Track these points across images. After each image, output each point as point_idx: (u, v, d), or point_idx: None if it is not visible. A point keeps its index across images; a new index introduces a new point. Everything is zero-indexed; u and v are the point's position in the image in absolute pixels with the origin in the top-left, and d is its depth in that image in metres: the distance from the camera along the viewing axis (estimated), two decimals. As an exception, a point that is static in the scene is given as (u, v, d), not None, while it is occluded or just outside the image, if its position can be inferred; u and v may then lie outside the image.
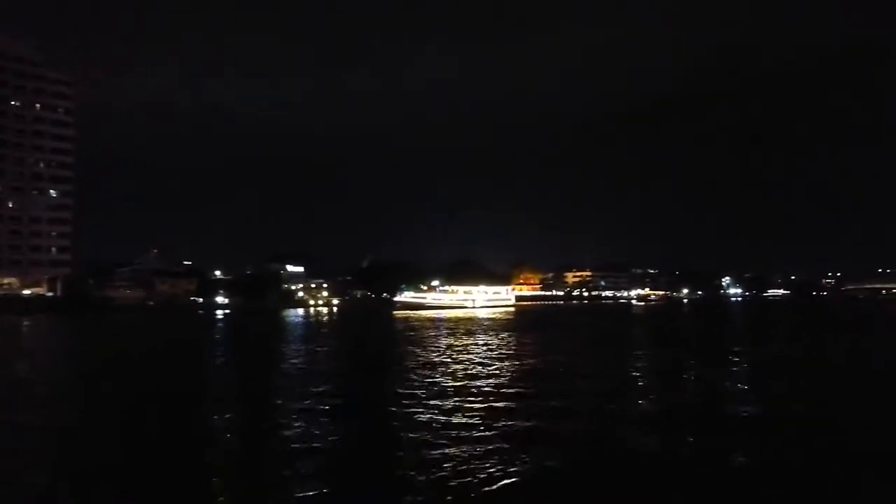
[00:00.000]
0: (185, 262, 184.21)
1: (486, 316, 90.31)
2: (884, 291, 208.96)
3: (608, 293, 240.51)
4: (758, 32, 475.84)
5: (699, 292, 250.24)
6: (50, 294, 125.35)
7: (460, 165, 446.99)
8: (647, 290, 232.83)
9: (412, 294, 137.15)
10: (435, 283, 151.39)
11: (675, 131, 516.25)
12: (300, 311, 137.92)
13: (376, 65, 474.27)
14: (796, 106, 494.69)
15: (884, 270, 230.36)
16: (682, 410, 19.41)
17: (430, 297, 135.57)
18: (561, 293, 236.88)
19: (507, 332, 55.86)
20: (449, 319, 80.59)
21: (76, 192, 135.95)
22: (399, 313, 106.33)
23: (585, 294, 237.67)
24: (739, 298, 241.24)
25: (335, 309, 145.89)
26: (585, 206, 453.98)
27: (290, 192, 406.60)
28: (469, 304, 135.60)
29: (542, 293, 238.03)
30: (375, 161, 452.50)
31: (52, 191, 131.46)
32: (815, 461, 13.69)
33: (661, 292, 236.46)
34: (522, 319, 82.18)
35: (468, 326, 64.46)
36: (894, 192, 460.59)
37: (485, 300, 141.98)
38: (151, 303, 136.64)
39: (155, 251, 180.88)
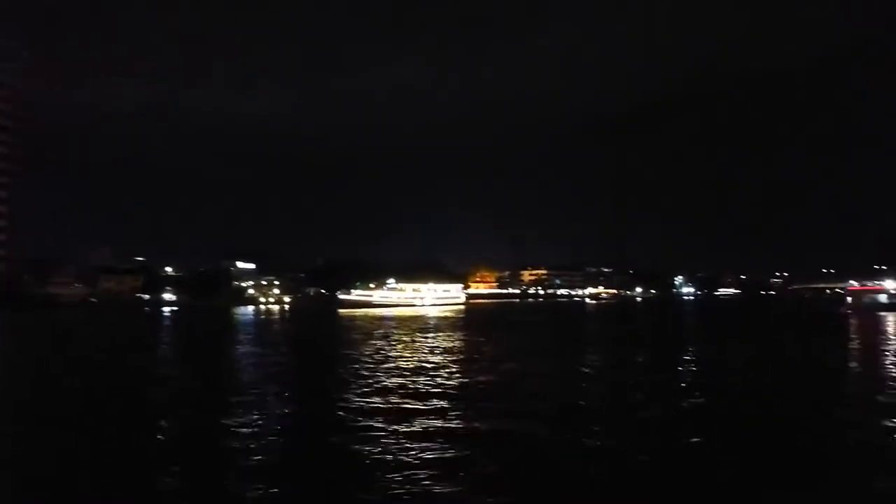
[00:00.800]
0: (138, 259, 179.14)
1: (434, 315, 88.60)
2: (828, 291, 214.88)
3: (563, 291, 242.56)
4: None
5: (652, 291, 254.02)
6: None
7: (460, 165, 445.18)
8: (599, 289, 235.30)
9: (359, 292, 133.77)
10: (391, 281, 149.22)
11: (634, 137, 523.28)
12: (250, 308, 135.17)
13: (374, 65, 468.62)
14: (749, 110, 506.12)
15: (828, 271, 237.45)
16: (632, 408, 18.99)
17: (377, 296, 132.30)
18: (517, 291, 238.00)
19: (453, 331, 54.93)
20: (395, 318, 78.89)
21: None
22: (344, 312, 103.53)
23: (541, 292, 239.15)
24: (692, 297, 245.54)
25: (286, 307, 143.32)
26: (549, 208, 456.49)
27: (286, 191, 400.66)
28: (418, 302, 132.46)
29: (499, 291, 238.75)
30: (373, 162, 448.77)
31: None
32: (762, 455, 13.79)
33: (613, 291, 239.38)
34: (471, 318, 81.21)
35: (413, 325, 63.24)
36: (839, 197, 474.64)
37: (434, 298, 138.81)
38: (94, 300, 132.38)
39: (107, 248, 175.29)
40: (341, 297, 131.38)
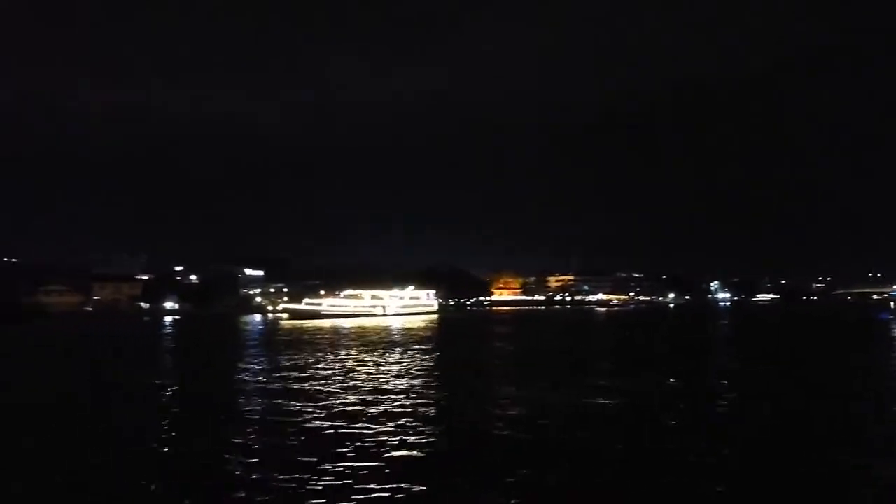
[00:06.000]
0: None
1: (396, 326, 79.12)
2: (875, 296, 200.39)
3: (592, 298, 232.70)
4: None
5: (686, 297, 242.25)
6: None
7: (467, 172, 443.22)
8: (608, 296, 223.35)
9: (308, 300, 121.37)
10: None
11: (668, 135, 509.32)
12: (258, 317, 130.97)
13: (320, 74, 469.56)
14: (789, 108, 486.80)
15: (875, 275, 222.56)
16: None
17: (326, 304, 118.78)
18: (542, 298, 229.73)
19: (389, 348, 48.13)
20: (342, 333, 69.26)
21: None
22: (288, 323, 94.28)
23: (568, 299, 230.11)
24: (728, 304, 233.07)
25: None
26: (576, 210, 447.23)
27: (291, 198, 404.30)
28: (379, 311, 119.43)
29: (522, 298, 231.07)
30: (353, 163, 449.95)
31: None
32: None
33: (625, 297, 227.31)
34: (433, 331, 72.45)
35: (342, 340, 55.72)
36: (889, 198, 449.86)
37: (398, 307, 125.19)
38: (90, 309, 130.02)
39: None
40: (283, 306, 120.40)
